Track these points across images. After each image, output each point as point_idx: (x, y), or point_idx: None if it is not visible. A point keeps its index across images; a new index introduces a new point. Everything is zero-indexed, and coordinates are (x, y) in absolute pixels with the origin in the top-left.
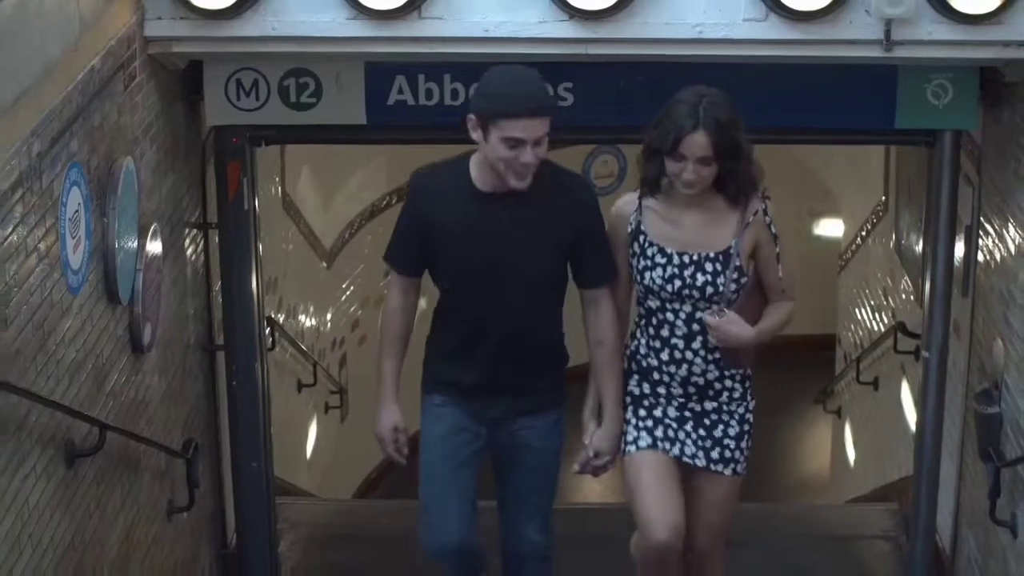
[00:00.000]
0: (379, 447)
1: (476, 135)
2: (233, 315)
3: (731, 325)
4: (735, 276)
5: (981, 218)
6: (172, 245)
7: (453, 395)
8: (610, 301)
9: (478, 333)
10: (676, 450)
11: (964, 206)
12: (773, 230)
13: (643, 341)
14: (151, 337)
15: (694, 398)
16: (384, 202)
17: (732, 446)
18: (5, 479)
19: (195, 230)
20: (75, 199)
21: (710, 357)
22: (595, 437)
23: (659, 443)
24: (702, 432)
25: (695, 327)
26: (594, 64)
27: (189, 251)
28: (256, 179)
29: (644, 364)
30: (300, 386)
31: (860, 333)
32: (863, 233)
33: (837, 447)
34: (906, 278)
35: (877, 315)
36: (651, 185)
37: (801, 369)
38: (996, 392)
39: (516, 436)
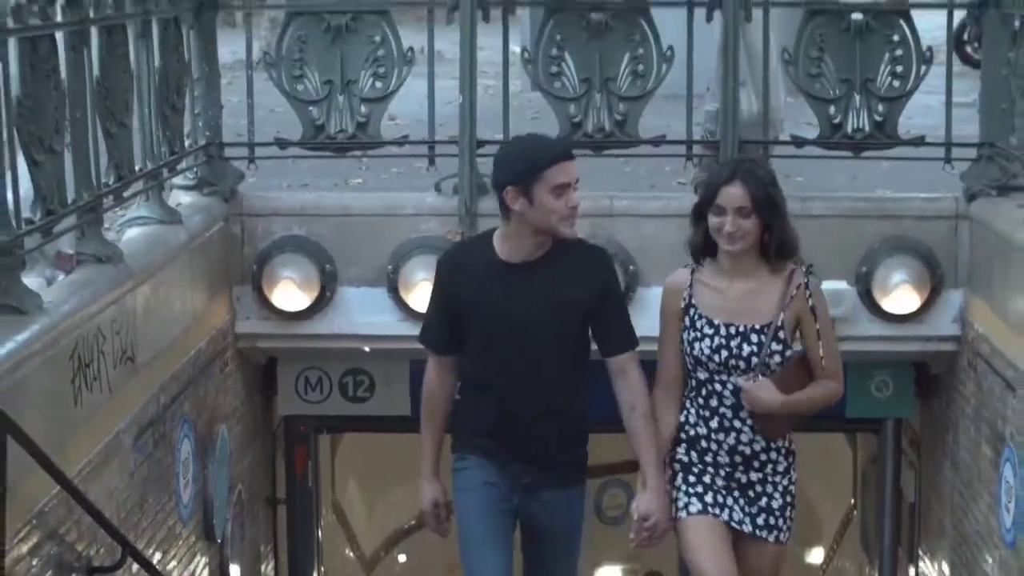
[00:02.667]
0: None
1: (518, 204)
2: None
3: (760, 391)
4: (779, 348)
5: (922, 497)
6: (250, 511)
7: (483, 456)
8: (637, 367)
9: (508, 402)
10: (725, 515)
11: (909, 487)
12: (811, 303)
13: (693, 411)
14: None
15: (740, 468)
16: (411, 524)
17: (776, 514)
18: None
19: (266, 503)
20: (186, 448)
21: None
22: (640, 502)
23: (709, 508)
24: (745, 502)
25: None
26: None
27: (261, 521)
28: (319, 463)
29: (692, 433)
30: None
31: None
32: (838, 539)
33: None
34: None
35: None
36: (697, 248)
37: None
38: None
39: (543, 508)
